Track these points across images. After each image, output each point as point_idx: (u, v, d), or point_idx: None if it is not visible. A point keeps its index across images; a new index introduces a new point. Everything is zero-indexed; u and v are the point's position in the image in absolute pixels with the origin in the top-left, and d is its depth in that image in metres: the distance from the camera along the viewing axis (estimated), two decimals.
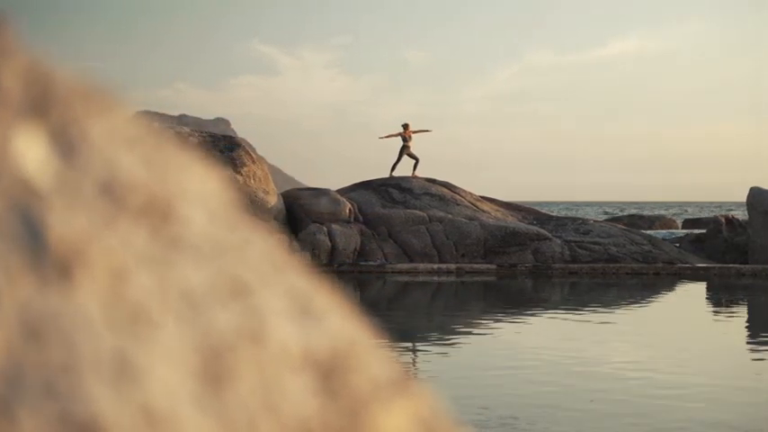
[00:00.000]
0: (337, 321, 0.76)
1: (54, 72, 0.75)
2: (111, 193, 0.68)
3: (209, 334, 0.66)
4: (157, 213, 0.70)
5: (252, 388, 0.66)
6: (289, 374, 0.69)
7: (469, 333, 14.80)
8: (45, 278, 0.62)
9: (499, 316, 16.62)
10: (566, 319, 16.16)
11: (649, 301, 19.87)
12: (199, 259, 0.70)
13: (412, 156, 29.74)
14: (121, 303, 0.63)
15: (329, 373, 0.71)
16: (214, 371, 0.65)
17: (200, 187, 0.76)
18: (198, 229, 0.72)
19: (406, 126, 29.64)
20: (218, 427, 0.62)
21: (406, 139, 29.54)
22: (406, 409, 0.75)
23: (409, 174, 29.46)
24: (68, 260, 0.63)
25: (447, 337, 14.00)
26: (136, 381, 0.60)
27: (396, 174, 29.54)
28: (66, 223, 0.64)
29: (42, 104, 0.71)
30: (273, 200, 26.17)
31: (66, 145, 0.70)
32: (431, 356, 12.34)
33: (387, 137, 29.78)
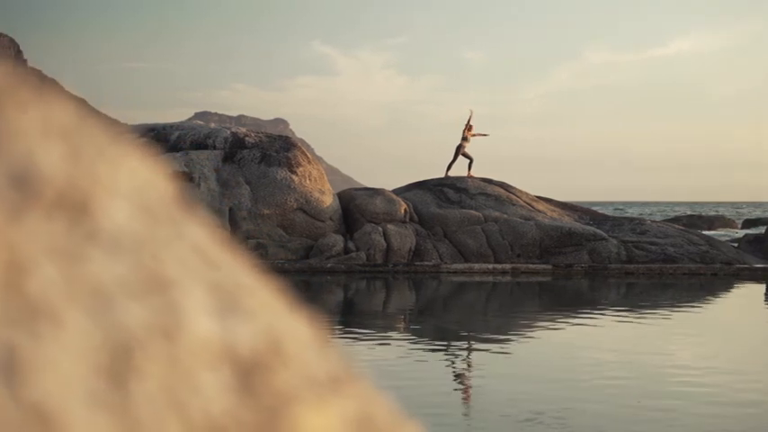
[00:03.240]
0: (266, 318, 0.74)
1: None
2: (25, 185, 0.67)
3: (118, 330, 0.64)
4: (75, 206, 0.69)
5: (160, 385, 0.64)
6: (203, 372, 0.67)
7: (523, 332, 14.72)
8: None
9: (554, 316, 16.52)
10: (621, 320, 16.00)
11: (707, 303, 19.62)
12: (116, 253, 0.69)
13: (466, 155, 29.78)
14: (20, 298, 0.62)
15: (249, 371, 0.69)
16: (120, 368, 0.63)
17: (129, 180, 0.74)
18: (120, 222, 0.71)
19: (470, 127, 29.78)
20: (117, 426, 0.60)
21: (465, 138, 29.68)
22: (337, 408, 0.73)
23: (464, 174, 29.46)
24: None
25: (500, 337, 13.93)
26: (26, 378, 0.59)
27: (451, 174, 29.55)
28: None
29: None
30: (329, 200, 26.26)
31: None
32: (481, 355, 12.29)
33: (475, 135, 29.95)
